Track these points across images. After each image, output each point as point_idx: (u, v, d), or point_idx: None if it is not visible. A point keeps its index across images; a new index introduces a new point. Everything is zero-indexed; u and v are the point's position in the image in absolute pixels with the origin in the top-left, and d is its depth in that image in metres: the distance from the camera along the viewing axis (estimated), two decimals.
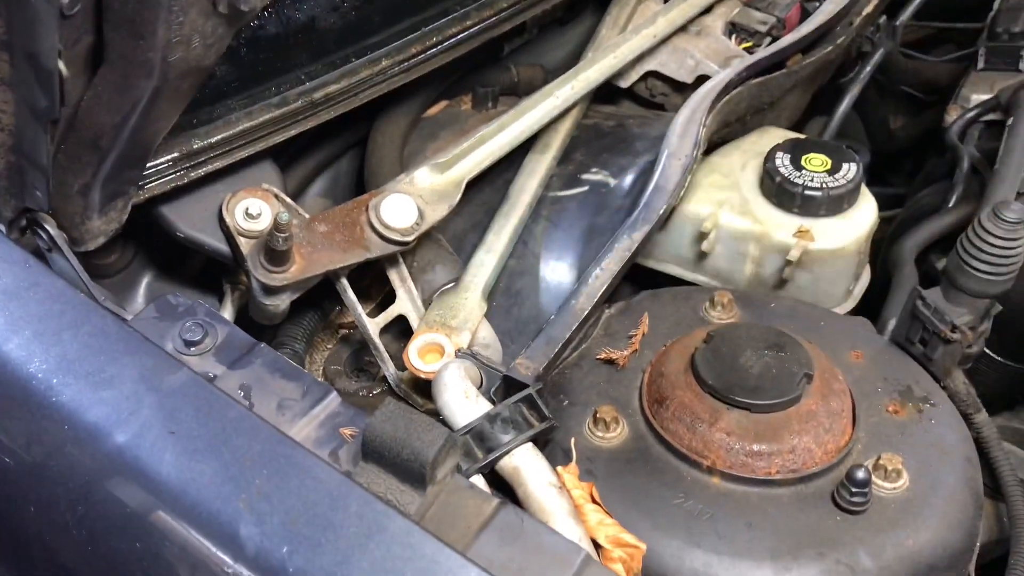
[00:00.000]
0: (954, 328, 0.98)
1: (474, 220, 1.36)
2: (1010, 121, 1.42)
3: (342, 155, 1.45)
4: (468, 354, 1.04)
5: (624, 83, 1.52)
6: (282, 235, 1.01)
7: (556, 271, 1.29)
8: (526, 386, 0.96)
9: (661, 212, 1.11)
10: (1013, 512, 1.08)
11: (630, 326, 1.09)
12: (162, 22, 0.73)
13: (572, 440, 0.95)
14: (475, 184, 1.36)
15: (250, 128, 1.10)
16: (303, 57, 1.16)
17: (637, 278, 1.33)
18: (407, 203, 1.11)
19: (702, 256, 1.25)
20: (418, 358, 1.12)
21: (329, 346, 1.31)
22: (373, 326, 1.18)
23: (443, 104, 1.54)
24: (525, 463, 0.89)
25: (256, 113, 1.11)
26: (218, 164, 1.09)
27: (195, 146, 1.07)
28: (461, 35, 1.26)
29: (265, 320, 1.16)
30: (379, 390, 1.25)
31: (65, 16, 0.68)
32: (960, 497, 0.93)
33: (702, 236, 1.22)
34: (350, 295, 1.16)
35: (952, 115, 1.63)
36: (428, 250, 1.23)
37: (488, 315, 1.21)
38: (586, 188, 1.34)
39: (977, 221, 0.95)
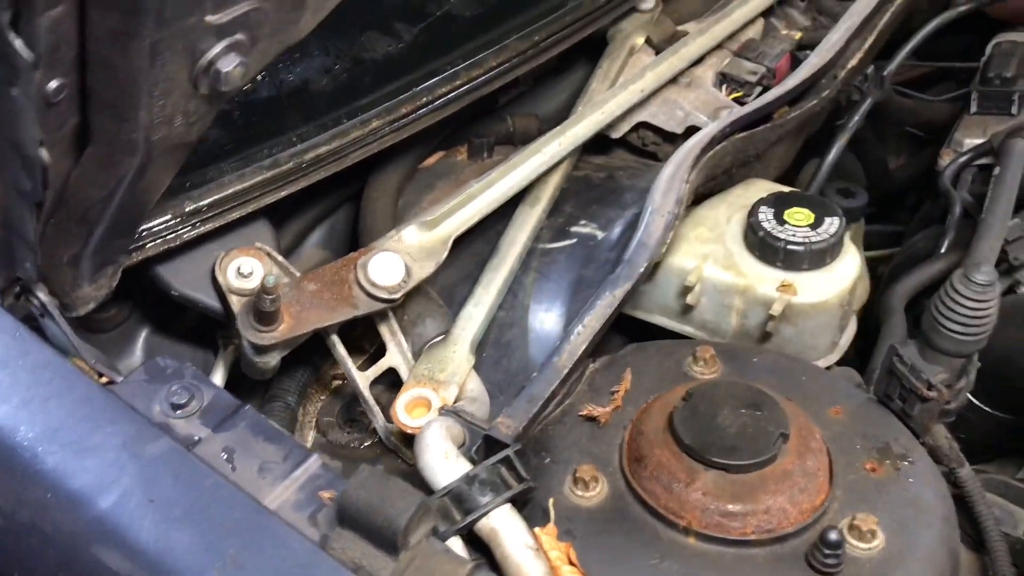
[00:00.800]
0: (930, 386, 0.99)
1: (465, 272, 1.38)
2: (996, 170, 1.44)
3: (339, 208, 1.48)
4: (451, 411, 1.06)
5: (615, 134, 1.54)
6: (269, 297, 1.04)
7: (545, 323, 1.32)
8: (507, 445, 0.97)
9: (643, 269, 1.13)
10: (996, 567, 1.08)
11: (614, 381, 1.11)
12: (144, 105, 0.76)
13: (551, 500, 0.97)
14: (466, 236, 1.39)
15: (242, 190, 1.13)
16: (294, 119, 1.19)
17: (628, 328, 1.35)
18: (394, 261, 1.14)
19: (688, 308, 1.27)
20: (405, 413, 1.14)
21: (323, 397, 1.34)
22: (363, 379, 1.20)
23: (439, 155, 1.57)
24: (502, 525, 0.91)
25: (248, 175, 1.14)
26: (211, 225, 1.12)
27: (188, 208, 1.10)
28: (451, 94, 1.30)
29: (257, 376, 1.19)
30: (370, 442, 1.27)
31: (50, 104, 0.71)
32: (936, 558, 0.93)
33: (687, 289, 1.24)
34: (340, 350, 1.18)
35: (945, 159, 1.65)
36: (418, 303, 1.25)
37: (477, 367, 1.23)
38: (574, 241, 1.36)
39: (949, 283, 0.96)
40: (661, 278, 1.29)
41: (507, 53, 1.36)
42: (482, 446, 1.01)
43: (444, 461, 0.95)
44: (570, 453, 1.04)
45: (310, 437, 1.31)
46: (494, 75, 1.33)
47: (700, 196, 1.37)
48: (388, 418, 1.18)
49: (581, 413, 1.07)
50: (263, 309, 1.05)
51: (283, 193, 1.17)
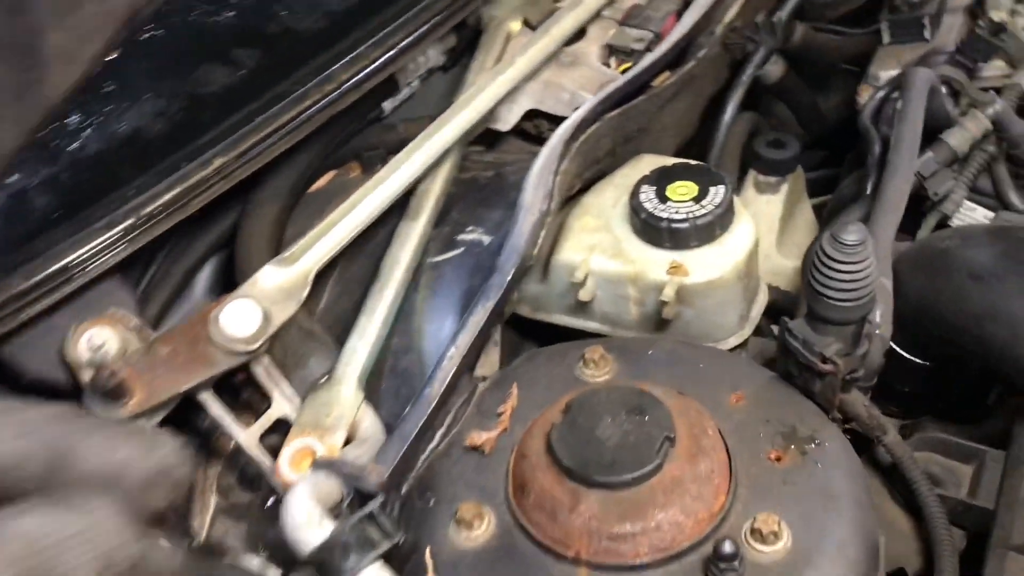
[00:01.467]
0: (824, 359, 0.91)
1: (355, 299, 1.30)
2: (899, 104, 1.35)
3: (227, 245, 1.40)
4: (325, 463, 0.98)
5: (504, 127, 1.46)
6: (104, 374, 0.96)
7: (440, 343, 1.23)
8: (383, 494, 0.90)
9: (511, 275, 1.05)
10: (935, 535, 1.00)
11: (502, 400, 1.03)
12: None
13: (428, 550, 0.89)
14: (351, 259, 1.31)
15: (78, 259, 1.05)
16: (129, 172, 1.11)
17: (536, 332, 1.27)
18: (249, 308, 1.05)
19: (585, 304, 1.19)
20: (290, 467, 1.06)
21: (221, 459, 1.26)
22: (248, 437, 1.12)
23: (330, 175, 1.49)
24: None
25: (82, 241, 1.06)
26: (47, 301, 1.04)
27: (18, 288, 1.02)
28: (303, 115, 1.21)
29: None
30: (272, 499, 1.19)
31: None
32: (848, 550, 0.85)
33: (577, 285, 1.16)
34: (214, 409, 1.10)
35: (864, 96, 1.57)
36: (298, 343, 1.17)
37: (375, 402, 1.15)
38: (462, 250, 1.28)
39: (819, 247, 0.88)
40: (553, 276, 1.21)
41: (361, 63, 1.27)
42: (356, 500, 0.93)
43: (306, 527, 0.87)
44: (455, 489, 0.96)
45: (212, 501, 1.24)
46: (350, 87, 1.24)
47: (589, 182, 1.29)
48: None
49: (466, 443, 0.99)
50: (102, 386, 0.97)
51: (125, 252, 1.08)
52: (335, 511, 0.93)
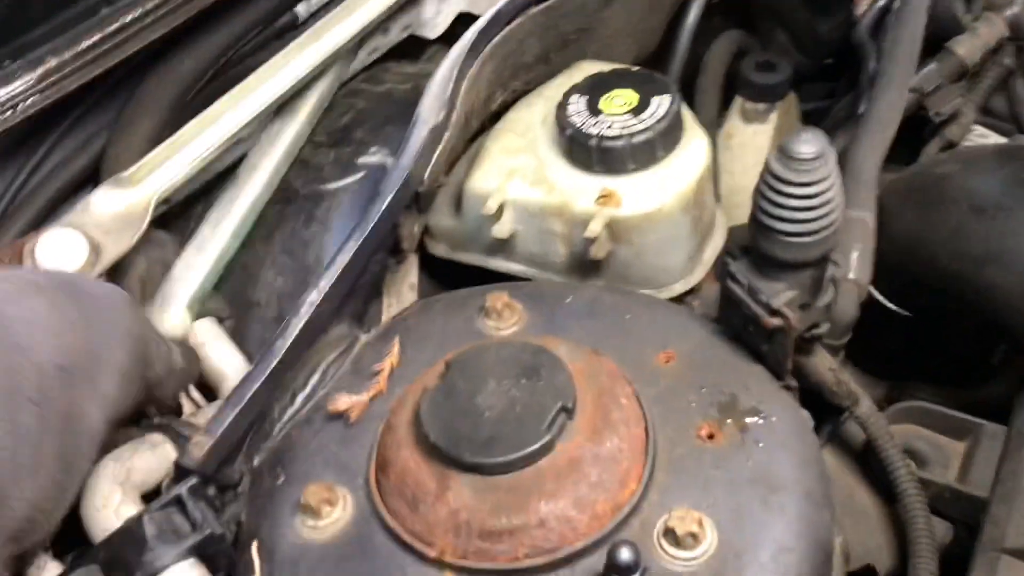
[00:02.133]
0: (772, 311, 0.70)
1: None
2: (897, 3, 1.13)
3: None
4: (151, 425, 0.79)
5: (431, 33, 1.24)
6: None
7: None
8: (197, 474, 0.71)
9: (390, 201, 0.84)
10: (911, 527, 0.81)
11: (382, 357, 0.83)
12: None
13: (254, 544, 0.70)
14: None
15: None
16: None
17: (457, 276, 1.07)
18: (73, 239, 0.86)
19: (504, 242, 0.98)
20: None
21: None
22: None
23: None
24: None
25: None
26: None
27: None
28: (159, 11, 0.99)
29: None
30: None
31: None
32: (790, 556, 0.65)
33: (491, 218, 0.95)
34: None
35: (862, 5, 1.35)
36: (159, 277, 0.98)
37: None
38: (361, 174, 1.07)
39: (765, 166, 0.66)
40: (466, 208, 1.00)
41: None
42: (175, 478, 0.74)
43: (100, 510, 0.69)
44: (310, 466, 0.77)
45: None
46: None
47: (520, 94, 1.08)
48: None
49: (329, 408, 0.80)
50: None
51: None
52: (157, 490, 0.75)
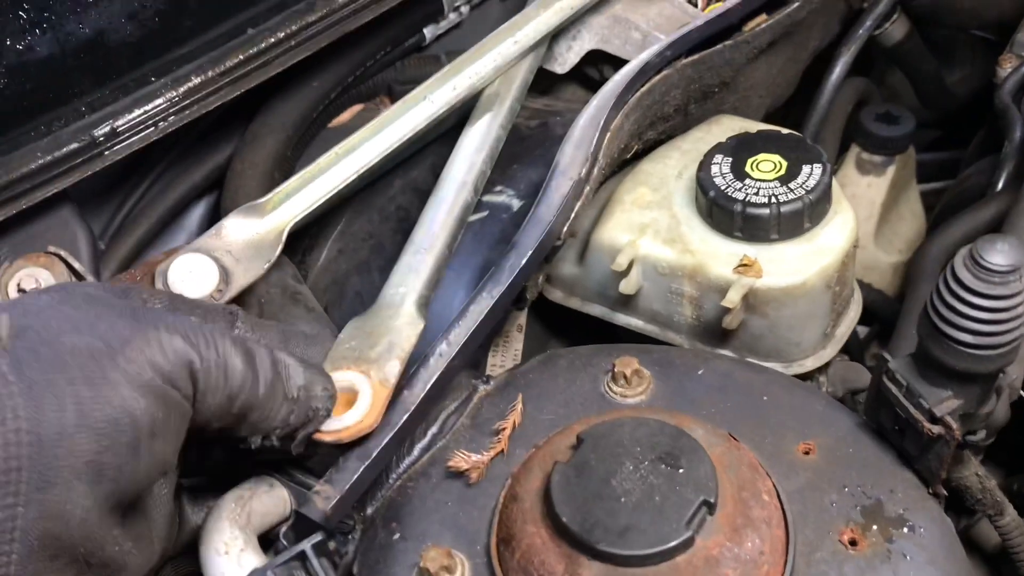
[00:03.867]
0: (934, 419, 0.66)
1: (358, 259, 1.09)
2: None
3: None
4: (275, 470, 0.77)
5: (560, 68, 1.22)
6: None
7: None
8: (319, 527, 0.69)
9: (530, 256, 0.81)
10: None
11: (503, 414, 0.81)
12: None
13: None
14: (357, 213, 1.10)
15: (15, 180, 0.86)
16: (85, 82, 0.91)
17: (570, 324, 1.05)
18: (204, 264, 0.85)
19: (629, 297, 0.95)
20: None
21: None
22: None
23: (355, 109, 1.27)
24: None
25: (22, 159, 0.87)
26: None
27: None
28: (306, 32, 0.99)
29: None
30: None
31: None
32: None
33: (620, 274, 0.92)
34: None
35: (1006, 67, 1.29)
36: (279, 308, 0.97)
37: None
38: (486, 214, 1.05)
39: (950, 270, 0.62)
40: (592, 259, 0.97)
41: None
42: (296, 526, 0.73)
43: (221, 555, 0.68)
44: (427, 525, 0.75)
45: None
46: (360, 6, 1.01)
47: (653, 144, 1.05)
48: None
49: (448, 465, 0.78)
50: None
51: (70, 180, 0.89)
52: (275, 534, 0.74)
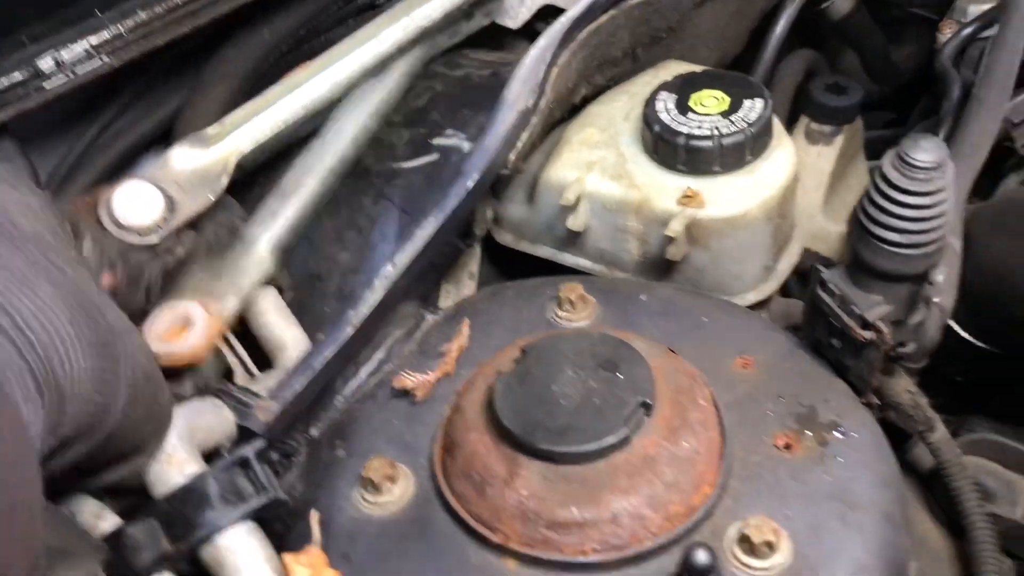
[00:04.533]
0: (866, 324, 0.68)
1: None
2: (995, 29, 1.10)
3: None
4: (212, 389, 0.77)
5: (512, 23, 1.23)
6: None
7: (398, 264, 1.02)
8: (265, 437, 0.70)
9: (475, 181, 0.83)
10: (979, 562, 0.78)
11: (450, 339, 0.82)
12: None
13: (314, 515, 0.69)
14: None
15: None
16: (26, 14, 0.90)
17: (521, 268, 1.06)
18: (149, 192, 0.84)
19: (576, 235, 0.97)
20: (159, 339, 0.79)
21: None
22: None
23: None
24: (229, 554, 0.64)
25: None
26: None
27: None
28: None
29: None
30: None
31: None
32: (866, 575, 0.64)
33: (567, 210, 0.94)
34: None
35: (946, 32, 1.33)
36: (221, 241, 0.96)
37: (317, 327, 0.94)
38: (435, 156, 1.06)
39: (879, 171, 0.64)
40: (541, 198, 0.99)
41: None
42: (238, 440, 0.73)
43: (166, 465, 0.68)
44: (373, 441, 0.75)
45: None
46: None
47: (601, 89, 1.06)
48: None
49: (394, 384, 0.79)
50: None
51: (12, 110, 0.89)
52: (214, 452, 0.74)
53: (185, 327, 0.79)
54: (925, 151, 0.62)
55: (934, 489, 0.86)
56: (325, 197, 0.95)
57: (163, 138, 1.17)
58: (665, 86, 0.95)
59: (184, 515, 0.64)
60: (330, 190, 0.95)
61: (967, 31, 1.28)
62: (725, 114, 0.90)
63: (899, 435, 0.83)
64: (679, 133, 0.89)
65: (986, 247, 0.90)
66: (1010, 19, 1.06)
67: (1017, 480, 0.88)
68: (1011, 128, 1.10)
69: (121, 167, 1.13)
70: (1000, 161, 1.16)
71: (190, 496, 0.65)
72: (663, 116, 0.91)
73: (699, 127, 0.90)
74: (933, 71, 1.31)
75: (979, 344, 0.95)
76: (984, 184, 1.13)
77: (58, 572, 0.55)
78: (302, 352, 0.91)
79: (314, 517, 0.68)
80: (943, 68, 1.26)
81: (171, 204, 0.86)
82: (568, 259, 1.01)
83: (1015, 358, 0.95)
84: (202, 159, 0.89)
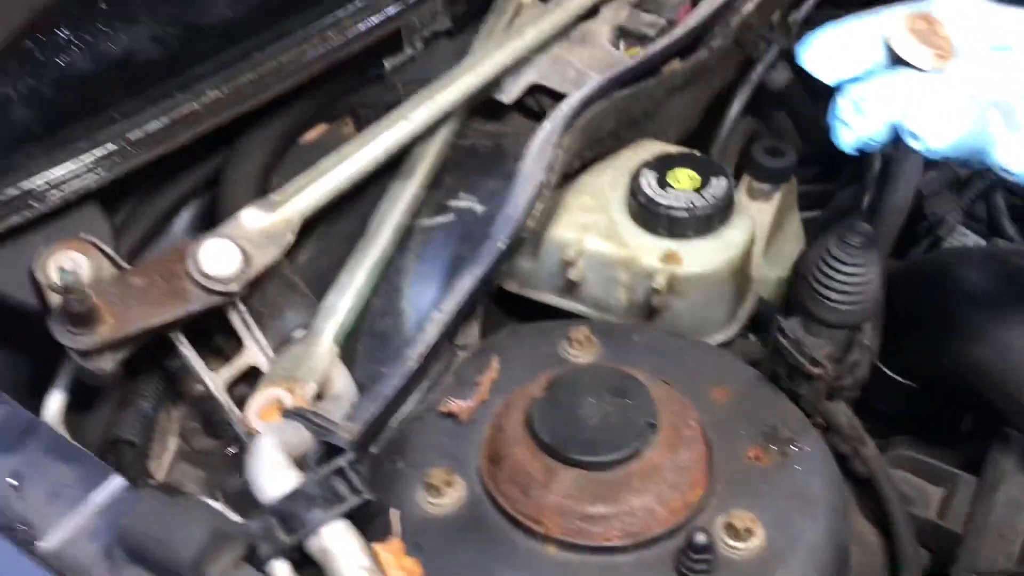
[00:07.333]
0: (814, 362, 0.89)
1: (339, 256, 1.27)
2: None
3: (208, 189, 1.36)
4: (297, 414, 0.94)
5: (506, 99, 1.43)
6: (74, 297, 0.92)
7: (422, 308, 1.20)
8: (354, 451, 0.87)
9: (504, 244, 1.01)
10: (902, 552, 1.00)
11: (480, 371, 1.00)
12: None
13: (394, 512, 0.86)
14: (338, 216, 1.27)
15: (55, 179, 1.01)
16: (116, 95, 1.06)
17: (520, 309, 1.25)
18: (227, 248, 1.02)
19: (574, 285, 1.17)
20: (257, 418, 1.03)
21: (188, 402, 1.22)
22: (217, 381, 1.09)
23: (322, 128, 1.45)
24: (333, 544, 0.80)
25: (60, 160, 1.01)
26: (18, 218, 1.00)
27: None
28: (300, 60, 1.17)
29: (96, 382, 1.07)
30: (236, 448, 1.16)
31: None
32: (820, 554, 0.84)
33: (568, 264, 1.14)
34: (185, 350, 1.06)
35: None
36: (277, 293, 1.14)
37: (350, 361, 1.13)
38: (452, 216, 1.25)
39: (826, 250, 0.86)
40: (545, 253, 1.18)
41: (368, 13, 1.23)
42: (323, 455, 0.90)
43: (271, 474, 0.84)
44: (426, 455, 0.93)
45: (173, 444, 1.20)
46: (355, 36, 1.20)
47: (589, 161, 1.27)
48: None
49: (441, 409, 0.97)
50: (71, 310, 0.93)
51: (102, 178, 1.04)
52: (300, 464, 0.90)
53: (278, 409, 1.01)
54: (859, 236, 0.84)
55: (865, 495, 1.07)
56: (373, 284, 1.16)
57: (194, 196, 1.33)
58: (647, 164, 1.15)
59: (295, 514, 0.80)
60: (377, 280, 1.16)
61: None
62: (697, 190, 1.12)
63: (838, 454, 1.05)
64: (661, 205, 1.10)
65: (902, 298, 1.13)
66: None
67: (929, 488, 1.10)
68: (922, 199, 1.33)
69: (164, 221, 1.29)
70: (911, 225, 1.39)
71: (300, 496, 0.81)
72: (647, 190, 1.12)
73: (676, 200, 1.11)
74: None
75: (899, 379, 1.17)
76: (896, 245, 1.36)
77: (220, 556, 0.71)
78: (347, 382, 1.09)
79: (395, 515, 0.85)
80: None
81: (246, 258, 1.03)
82: (566, 304, 1.20)
83: (927, 390, 1.18)
84: (269, 220, 1.06)
